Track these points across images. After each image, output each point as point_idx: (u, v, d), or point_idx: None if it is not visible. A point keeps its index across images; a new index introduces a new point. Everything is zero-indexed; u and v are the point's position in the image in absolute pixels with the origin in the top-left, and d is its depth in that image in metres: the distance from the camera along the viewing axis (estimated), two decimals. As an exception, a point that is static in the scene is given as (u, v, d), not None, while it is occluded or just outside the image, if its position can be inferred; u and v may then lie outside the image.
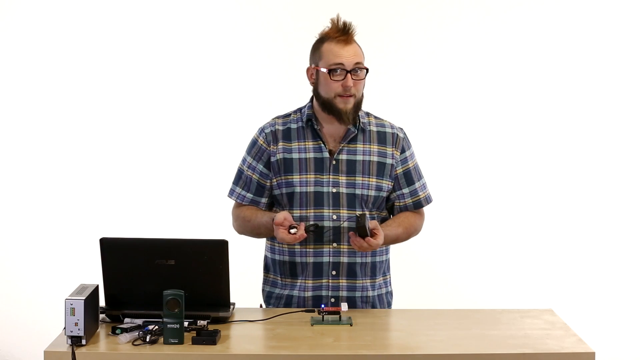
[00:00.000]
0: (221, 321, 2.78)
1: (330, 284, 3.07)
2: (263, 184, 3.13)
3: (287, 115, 3.17)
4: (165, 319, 2.59)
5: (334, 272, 3.07)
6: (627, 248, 4.84)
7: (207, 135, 4.83)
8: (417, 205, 3.18)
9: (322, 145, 3.08)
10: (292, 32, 4.77)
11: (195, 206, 4.82)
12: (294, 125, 3.13)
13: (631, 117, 4.83)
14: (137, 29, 4.79)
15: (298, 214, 3.07)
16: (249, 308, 2.98)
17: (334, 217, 3.05)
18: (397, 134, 3.15)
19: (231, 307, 2.85)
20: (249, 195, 3.15)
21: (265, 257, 3.22)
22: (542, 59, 4.81)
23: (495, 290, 4.82)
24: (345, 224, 3.05)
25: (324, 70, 3.01)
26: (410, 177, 3.16)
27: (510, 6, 4.79)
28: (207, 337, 2.60)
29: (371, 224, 2.96)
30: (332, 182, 3.07)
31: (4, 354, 4.74)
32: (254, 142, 3.16)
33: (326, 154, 3.08)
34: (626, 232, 4.84)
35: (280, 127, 3.13)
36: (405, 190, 3.15)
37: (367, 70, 3.03)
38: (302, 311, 2.94)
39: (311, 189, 3.07)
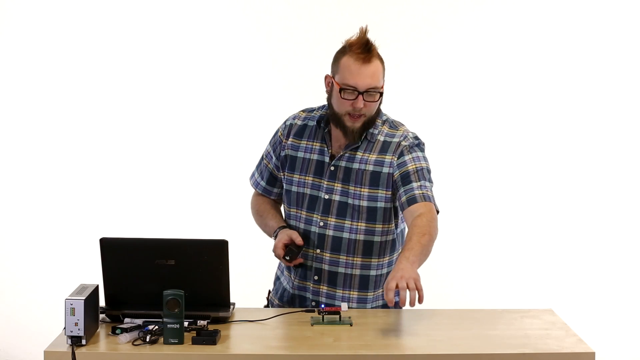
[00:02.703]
0: (221, 321, 2.78)
1: (311, 288, 3.08)
2: (275, 175, 3.15)
3: (312, 111, 3.14)
4: (165, 319, 2.59)
5: (316, 277, 3.07)
6: (627, 248, 4.84)
7: (207, 135, 4.83)
8: (411, 201, 2.90)
9: (326, 149, 3.05)
10: (293, 32, 4.77)
11: (195, 206, 4.83)
12: (311, 123, 3.10)
13: (631, 118, 4.83)
14: (136, 29, 4.79)
15: (295, 213, 3.08)
16: (249, 308, 2.98)
17: (321, 223, 3.03)
18: (400, 142, 3.01)
19: (231, 307, 2.85)
20: (262, 183, 3.19)
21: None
22: (542, 61, 4.81)
23: (495, 290, 4.82)
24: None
25: (337, 85, 2.95)
26: (407, 178, 2.96)
27: (516, 5, 4.78)
28: (207, 337, 2.60)
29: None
30: (327, 188, 3.04)
31: (4, 354, 4.74)
32: (276, 132, 3.17)
33: (327, 159, 3.05)
34: (626, 232, 4.84)
35: (299, 122, 3.11)
36: (401, 190, 2.95)
37: (381, 93, 2.95)
38: (302, 311, 2.94)
39: (307, 191, 3.06)
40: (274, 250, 3.06)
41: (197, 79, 4.82)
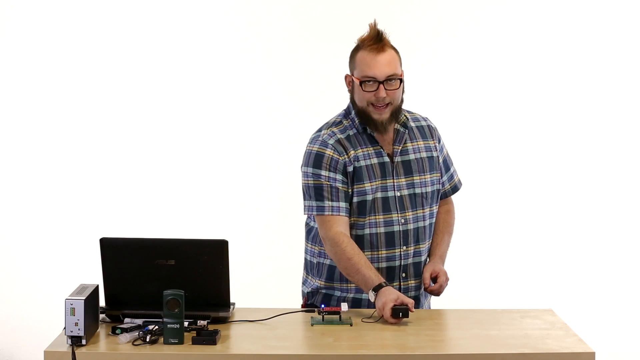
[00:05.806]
0: (221, 321, 2.78)
1: (402, 287, 3.05)
2: (346, 192, 3.03)
3: (339, 123, 3.08)
4: (165, 319, 2.59)
5: (404, 275, 3.08)
6: (627, 248, 4.84)
7: (206, 135, 4.83)
8: (454, 189, 3.25)
9: (381, 149, 3.06)
10: (291, 33, 4.77)
11: (195, 206, 4.82)
12: (350, 132, 3.07)
13: (630, 120, 4.83)
14: (136, 29, 4.79)
15: (369, 220, 3.05)
16: (249, 308, 2.98)
17: (402, 221, 3.05)
18: (431, 125, 3.18)
19: (231, 307, 2.85)
20: (342, 204, 3.01)
21: (330, 266, 3.11)
22: (544, 62, 4.80)
23: (495, 290, 4.82)
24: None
25: (357, 80, 2.98)
26: (447, 163, 3.21)
27: (519, 5, 4.78)
28: (207, 337, 2.60)
29: (426, 272, 3.07)
30: (395, 186, 3.06)
31: (4, 354, 4.74)
32: (320, 155, 3.02)
33: (387, 158, 3.06)
34: (626, 232, 4.84)
35: (341, 135, 3.05)
36: (445, 177, 3.19)
37: (401, 80, 2.99)
38: (302, 311, 2.94)
39: (379, 194, 3.04)
40: (383, 308, 2.85)
41: (197, 79, 4.81)
